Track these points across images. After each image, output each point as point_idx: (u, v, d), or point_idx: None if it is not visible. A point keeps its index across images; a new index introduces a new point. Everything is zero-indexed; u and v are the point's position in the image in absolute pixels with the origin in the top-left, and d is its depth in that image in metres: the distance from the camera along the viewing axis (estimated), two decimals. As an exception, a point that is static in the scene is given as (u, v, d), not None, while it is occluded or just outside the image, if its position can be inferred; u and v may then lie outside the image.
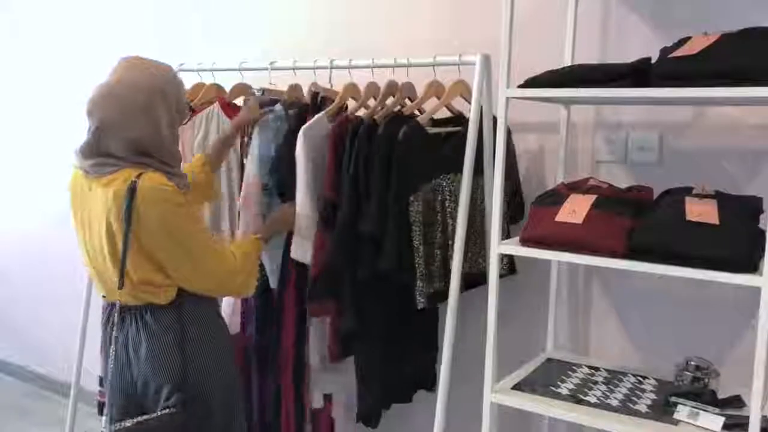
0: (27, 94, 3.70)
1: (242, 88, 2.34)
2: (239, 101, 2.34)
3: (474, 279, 2.04)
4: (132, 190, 1.57)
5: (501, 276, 2.01)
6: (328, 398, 2.21)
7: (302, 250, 1.97)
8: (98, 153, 1.63)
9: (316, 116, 1.99)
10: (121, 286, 1.63)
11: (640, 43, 1.94)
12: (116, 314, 1.72)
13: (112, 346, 1.71)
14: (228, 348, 1.82)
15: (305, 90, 2.18)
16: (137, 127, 1.62)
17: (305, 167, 1.95)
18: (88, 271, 1.79)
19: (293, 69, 2.20)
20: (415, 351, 2.09)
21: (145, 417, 1.66)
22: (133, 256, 1.62)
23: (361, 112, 2.03)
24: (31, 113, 3.66)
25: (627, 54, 1.90)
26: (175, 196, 1.63)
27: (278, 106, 2.12)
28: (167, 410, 1.66)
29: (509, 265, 2.07)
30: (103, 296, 1.78)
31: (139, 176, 1.59)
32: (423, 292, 1.89)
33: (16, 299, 3.89)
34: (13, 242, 3.86)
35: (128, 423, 1.64)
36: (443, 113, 2.12)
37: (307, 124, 1.97)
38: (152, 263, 1.64)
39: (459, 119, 2.09)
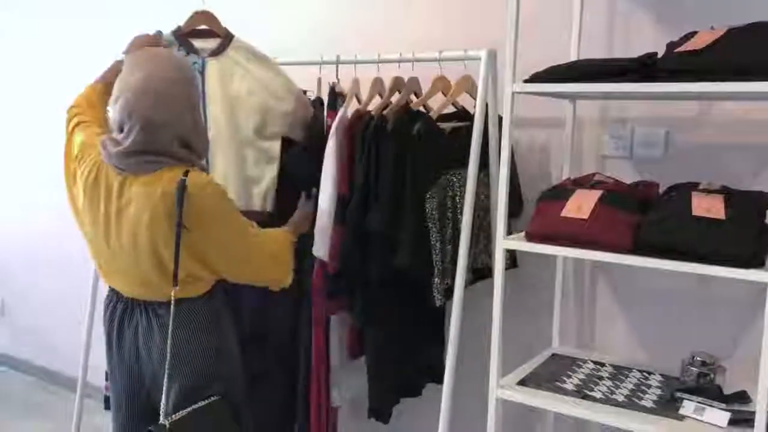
0: (32, 90, 3.71)
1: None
2: None
3: (479, 274, 2.04)
4: (183, 188, 1.57)
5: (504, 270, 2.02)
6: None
7: (322, 248, 1.97)
8: (143, 152, 1.60)
9: (340, 112, 1.98)
10: (176, 284, 1.62)
11: (646, 38, 1.94)
12: (123, 309, 1.73)
13: (123, 341, 1.73)
14: (235, 335, 1.84)
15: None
16: (184, 120, 1.63)
17: (332, 164, 1.95)
18: (100, 266, 1.78)
19: (300, 64, 2.21)
20: (423, 345, 2.09)
21: (197, 405, 1.65)
22: (186, 261, 1.63)
23: (370, 108, 2.03)
24: (35, 108, 3.67)
25: (633, 49, 1.89)
26: (222, 189, 1.67)
27: None
28: (212, 398, 1.68)
29: (511, 259, 2.07)
30: (115, 292, 1.77)
31: (186, 174, 1.59)
32: (440, 289, 1.89)
33: (23, 294, 3.91)
34: (19, 237, 3.88)
35: (183, 413, 1.63)
36: (447, 108, 2.12)
37: (335, 121, 1.96)
38: (196, 258, 1.65)
39: (463, 114, 2.08)
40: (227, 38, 2.10)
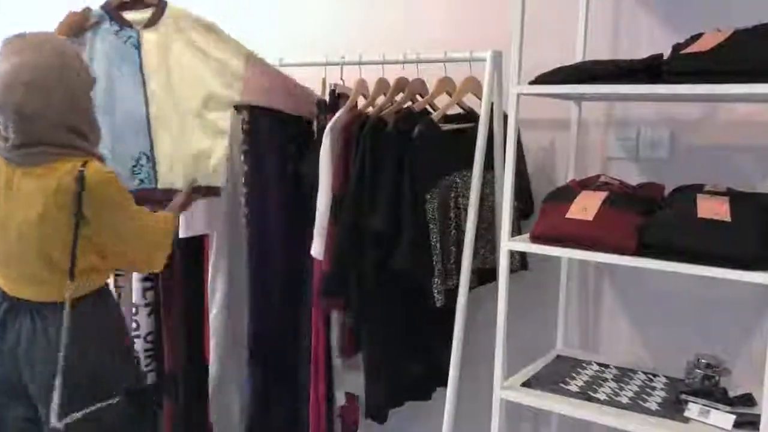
0: None
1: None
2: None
3: (486, 275, 2.03)
4: (81, 180, 1.55)
5: (512, 271, 2.01)
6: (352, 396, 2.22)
7: (322, 249, 1.97)
8: (26, 144, 1.57)
9: (337, 113, 1.99)
10: (72, 277, 1.59)
11: (652, 40, 1.93)
12: (7, 309, 1.67)
13: (3, 343, 1.66)
14: (126, 336, 1.87)
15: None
16: (61, 109, 1.57)
17: (329, 166, 1.95)
18: None
19: (304, 65, 2.21)
20: (430, 348, 2.09)
21: (95, 407, 1.61)
22: (85, 254, 1.62)
23: (373, 108, 2.03)
24: None
25: (639, 50, 1.89)
26: (116, 177, 1.65)
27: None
28: (113, 399, 1.65)
29: (521, 261, 2.06)
30: (3, 293, 1.70)
31: (84, 165, 1.57)
32: (441, 290, 1.89)
33: None
34: None
35: (78, 414, 1.59)
36: (453, 109, 2.12)
37: (331, 121, 1.96)
38: (92, 249, 1.64)
39: (470, 116, 2.08)
40: (160, 6, 2.00)
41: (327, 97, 2.09)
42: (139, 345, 2.30)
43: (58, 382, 1.57)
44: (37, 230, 1.58)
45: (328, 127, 1.95)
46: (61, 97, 1.56)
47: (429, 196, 1.86)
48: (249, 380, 2.21)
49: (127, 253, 1.73)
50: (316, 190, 1.99)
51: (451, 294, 1.93)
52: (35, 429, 1.68)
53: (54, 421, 1.56)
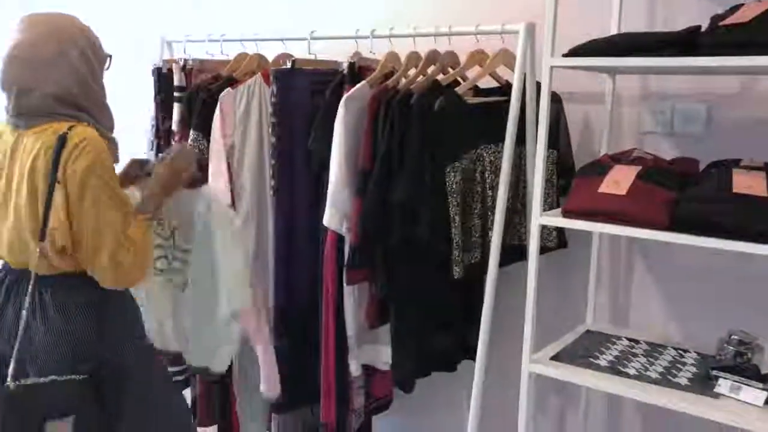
0: None
1: (285, 58, 2.35)
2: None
3: (525, 251, 2.04)
4: (63, 140, 1.53)
5: (550, 249, 2.02)
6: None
7: (334, 219, 1.98)
8: (25, 114, 1.61)
9: (358, 85, 1.99)
10: (42, 237, 1.55)
11: (690, 12, 1.89)
12: (10, 283, 1.67)
13: (4, 319, 1.67)
14: (138, 318, 1.79)
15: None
16: (53, 80, 1.57)
17: (344, 137, 1.96)
18: None
19: (334, 39, 2.21)
20: (458, 321, 2.11)
21: (56, 378, 1.59)
22: (57, 213, 1.55)
23: (403, 82, 2.03)
24: None
25: (676, 22, 1.85)
26: (103, 147, 1.58)
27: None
28: (75, 376, 1.61)
29: (559, 238, 2.05)
30: (5, 265, 1.71)
31: (70, 128, 1.56)
32: (460, 262, 1.89)
33: None
34: None
35: (36, 380, 1.59)
36: (490, 83, 2.10)
37: (348, 93, 1.97)
38: (69, 222, 1.57)
39: (505, 89, 2.07)
40: None
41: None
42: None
43: (16, 347, 1.59)
44: (26, 189, 1.57)
45: (344, 98, 1.95)
46: (59, 71, 1.58)
47: (449, 169, 1.86)
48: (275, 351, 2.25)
49: (90, 250, 1.58)
50: (325, 166, 2.01)
51: (474, 268, 1.93)
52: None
53: (8, 380, 1.57)
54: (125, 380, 1.70)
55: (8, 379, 1.57)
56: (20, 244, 1.62)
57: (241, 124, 2.19)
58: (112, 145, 1.69)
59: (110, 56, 1.74)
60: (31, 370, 1.62)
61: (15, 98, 1.60)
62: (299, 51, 2.33)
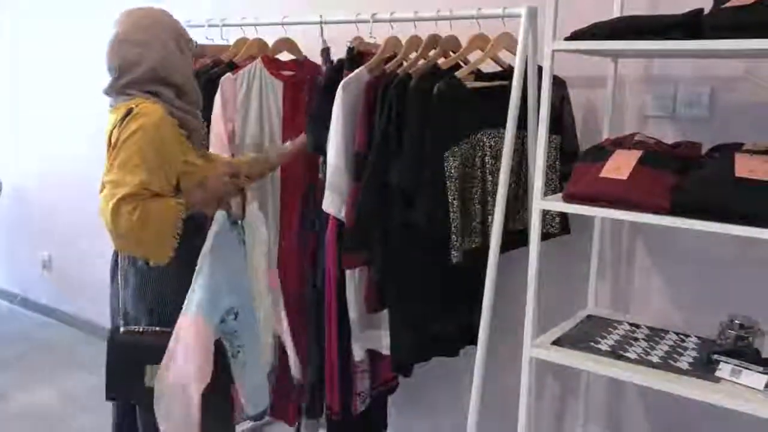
0: (73, 46, 3.76)
1: (285, 43, 2.34)
2: (282, 56, 2.35)
3: (526, 236, 2.04)
4: (128, 113, 1.67)
5: (553, 235, 2.01)
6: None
7: (332, 203, 1.99)
8: (120, 92, 1.76)
9: (357, 70, 1.98)
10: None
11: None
12: (115, 251, 1.86)
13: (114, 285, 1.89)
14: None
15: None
16: (151, 57, 1.74)
17: (342, 121, 1.95)
18: None
19: (336, 23, 2.20)
20: (460, 306, 2.11)
21: (162, 329, 1.77)
22: None
23: (403, 66, 2.01)
24: (79, 62, 3.72)
25: (679, 5, 1.83)
26: (159, 124, 1.68)
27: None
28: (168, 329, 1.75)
29: (562, 223, 2.04)
30: None
31: (138, 105, 1.69)
32: (458, 247, 1.89)
33: (69, 249, 4.03)
34: (65, 191, 3.98)
35: (143, 328, 1.80)
36: (493, 67, 2.09)
37: (346, 78, 1.96)
38: None
39: (508, 73, 2.05)
40: None
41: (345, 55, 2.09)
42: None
43: (128, 296, 1.82)
44: (105, 159, 1.71)
45: (342, 83, 1.95)
46: (156, 49, 1.75)
47: (448, 154, 1.86)
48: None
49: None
50: (321, 149, 2.03)
51: (474, 253, 1.93)
52: None
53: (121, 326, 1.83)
54: None
55: (120, 324, 1.82)
56: None
57: (242, 108, 2.19)
58: (190, 118, 1.80)
59: (195, 41, 1.94)
60: (132, 320, 1.82)
61: (117, 78, 1.75)
62: (300, 36, 2.32)
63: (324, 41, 2.27)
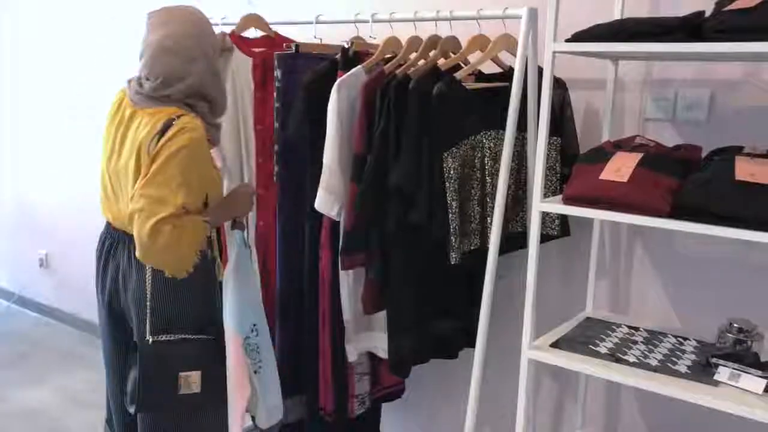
0: (74, 51, 3.76)
1: (252, 20, 2.30)
2: (249, 33, 2.32)
3: (525, 238, 2.03)
4: (168, 124, 1.68)
5: (553, 237, 2.01)
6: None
7: (326, 204, 1.98)
8: (158, 99, 1.76)
9: (353, 70, 1.97)
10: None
11: (694, -3, 1.87)
12: (110, 245, 1.88)
13: (106, 278, 1.90)
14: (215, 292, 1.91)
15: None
16: (196, 71, 1.76)
17: (337, 121, 1.94)
18: (101, 198, 1.91)
19: (335, 23, 2.19)
20: (459, 308, 2.10)
21: (187, 336, 1.80)
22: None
23: (402, 66, 2.01)
24: (77, 66, 3.72)
25: (679, 7, 1.83)
26: (202, 141, 1.72)
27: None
28: (203, 336, 1.81)
29: (562, 226, 2.03)
30: (106, 226, 1.92)
31: (179, 116, 1.70)
32: (457, 248, 1.89)
33: (67, 248, 4.02)
34: (63, 191, 3.98)
35: (171, 337, 1.80)
36: (493, 68, 2.09)
37: (342, 78, 1.96)
38: None
39: (508, 75, 2.05)
40: None
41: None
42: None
43: (149, 307, 1.79)
44: (134, 161, 1.72)
45: (336, 83, 1.94)
46: (198, 62, 1.76)
47: (447, 155, 1.85)
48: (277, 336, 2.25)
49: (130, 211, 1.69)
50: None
51: (474, 255, 1.93)
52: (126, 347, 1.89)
53: (147, 335, 1.79)
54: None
55: (147, 335, 1.78)
56: (123, 208, 1.78)
57: None
58: (214, 129, 1.85)
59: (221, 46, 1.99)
60: (167, 327, 1.81)
61: (158, 85, 1.75)
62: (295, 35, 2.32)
63: (320, 41, 2.26)
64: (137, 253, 1.68)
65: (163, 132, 1.67)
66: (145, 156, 1.69)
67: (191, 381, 1.77)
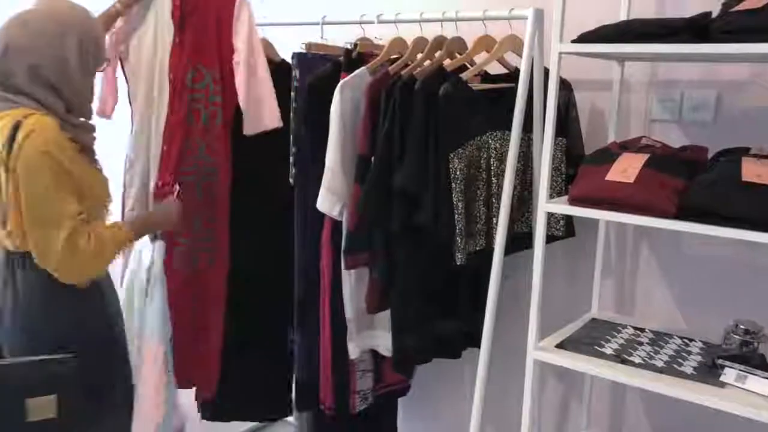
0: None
1: None
2: None
3: (531, 239, 2.03)
4: (15, 129, 1.52)
5: (558, 238, 2.01)
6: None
7: (328, 203, 1.98)
8: (4, 85, 1.59)
9: (357, 71, 1.97)
10: (4, 225, 1.58)
11: (701, -2, 1.87)
12: None
13: None
14: (101, 304, 1.76)
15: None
16: (41, 54, 1.58)
17: (340, 123, 1.94)
18: None
19: (341, 24, 2.19)
20: (464, 308, 2.10)
21: (43, 357, 1.60)
22: (9, 200, 1.57)
23: (408, 67, 2.01)
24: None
25: (686, 8, 1.83)
26: (58, 141, 1.56)
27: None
28: (66, 354, 1.61)
29: (566, 227, 2.03)
30: None
31: (26, 116, 1.54)
32: (462, 249, 1.89)
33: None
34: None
35: (25, 360, 1.60)
36: (499, 69, 2.08)
37: (346, 78, 1.96)
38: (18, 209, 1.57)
39: (514, 75, 2.05)
40: None
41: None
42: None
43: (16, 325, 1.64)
44: None
45: (340, 84, 1.94)
46: (52, 46, 1.59)
47: (453, 156, 1.85)
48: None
49: (31, 240, 1.57)
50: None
51: (479, 255, 1.93)
52: None
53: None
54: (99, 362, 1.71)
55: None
56: None
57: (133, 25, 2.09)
58: (83, 133, 1.67)
59: (108, 60, 1.78)
60: (12, 349, 1.65)
61: (1, 59, 1.58)
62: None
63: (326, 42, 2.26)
64: (57, 275, 1.57)
65: (11, 139, 1.51)
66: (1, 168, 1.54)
67: (42, 406, 1.58)
